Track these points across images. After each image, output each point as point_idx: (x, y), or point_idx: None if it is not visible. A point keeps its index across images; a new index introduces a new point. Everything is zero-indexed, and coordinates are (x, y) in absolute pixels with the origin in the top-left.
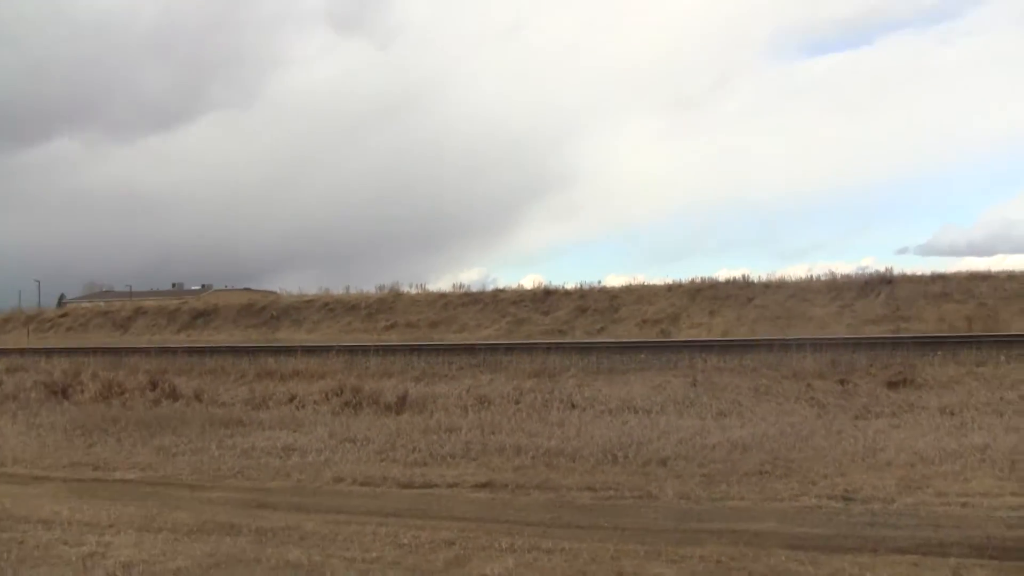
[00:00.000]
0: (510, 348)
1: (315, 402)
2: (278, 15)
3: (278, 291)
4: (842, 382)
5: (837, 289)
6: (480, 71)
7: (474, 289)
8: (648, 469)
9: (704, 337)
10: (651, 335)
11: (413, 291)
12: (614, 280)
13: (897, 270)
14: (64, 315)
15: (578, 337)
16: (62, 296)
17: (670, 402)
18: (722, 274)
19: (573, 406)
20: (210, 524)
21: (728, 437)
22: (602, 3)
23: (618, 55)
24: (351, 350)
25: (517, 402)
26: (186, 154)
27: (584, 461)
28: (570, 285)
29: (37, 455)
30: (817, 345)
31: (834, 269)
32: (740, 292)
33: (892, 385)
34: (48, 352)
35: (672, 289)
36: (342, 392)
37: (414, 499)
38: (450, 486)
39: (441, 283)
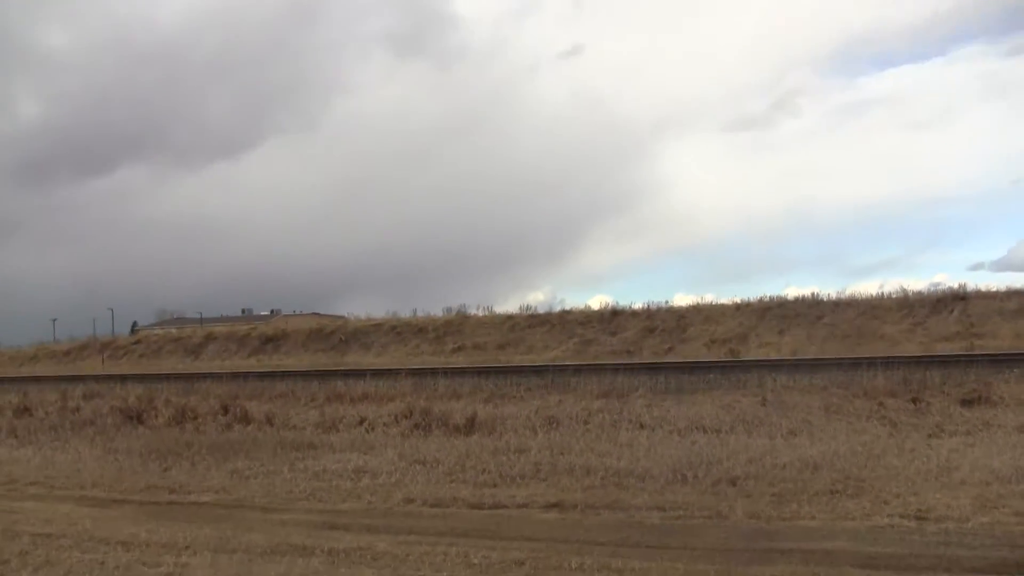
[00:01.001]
0: (578, 369)
1: (385, 424)
2: (339, 40)
3: (346, 315)
4: (914, 400)
5: (909, 306)
6: (542, 92)
7: (541, 311)
8: (718, 489)
9: (773, 356)
10: (719, 355)
11: (480, 313)
12: (682, 300)
13: (971, 286)
14: (137, 342)
15: (646, 357)
16: (135, 323)
17: (739, 422)
18: (791, 292)
19: (642, 426)
20: (283, 546)
21: (798, 456)
22: (664, 25)
23: (680, 76)
24: (419, 373)
25: (586, 422)
26: (251, 180)
27: (653, 481)
28: (637, 305)
29: (115, 479)
30: (889, 363)
31: (906, 286)
32: (809, 310)
33: (966, 403)
34: (123, 378)
35: (740, 308)
36: (411, 414)
37: (484, 519)
38: (520, 506)
39: (508, 305)
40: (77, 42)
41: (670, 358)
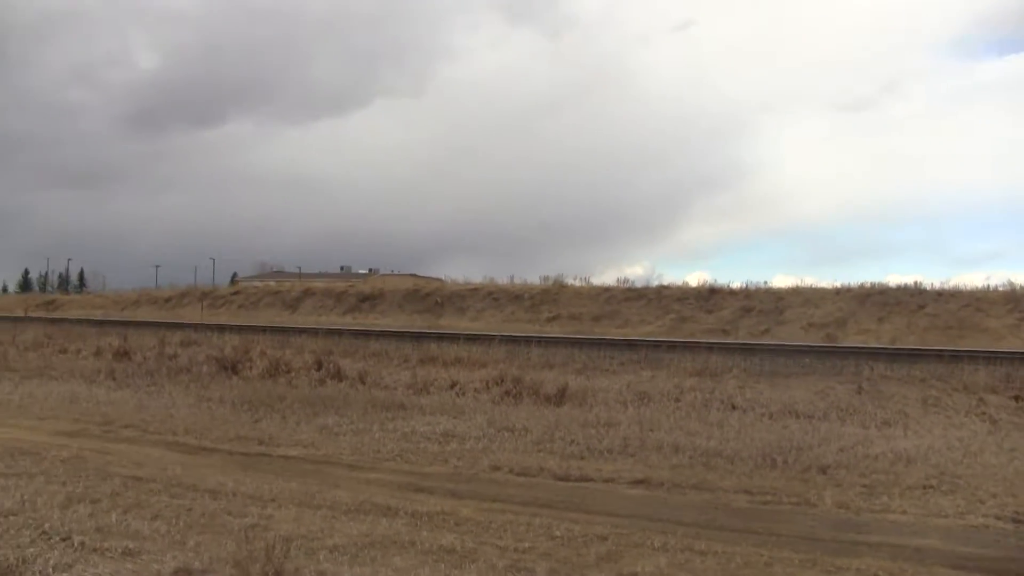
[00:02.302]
0: (672, 346)
1: (476, 390)
2: (451, 5)
3: (443, 278)
4: (1017, 398)
5: (1015, 300)
6: (649, 66)
7: (638, 284)
8: (807, 476)
9: (872, 344)
10: (816, 339)
11: (577, 283)
12: (781, 281)
13: None
14: (236, 293)
15: (741, 337)
16: (235, 274)
17: (833, 408)
18: (892, 279)
19: (733, 407)
20: (367, 504)
21: (892, 448)
22: (777, 2)
23: (788, 53)
24: (513, 340)
25: (677, 400)
26: (356, 139)
27: (742, 464)
28: (736, 284)
29: (206, 427)
30: (992, 358)
31: (1013, 279)
32: (911, 299)
33: None
34: (220, 328)
35: (840, 293)
36: (503, 381)
37: (569, 492)
38: (606, 481)
39: (605, 277)
40: None
41: (766, 340)
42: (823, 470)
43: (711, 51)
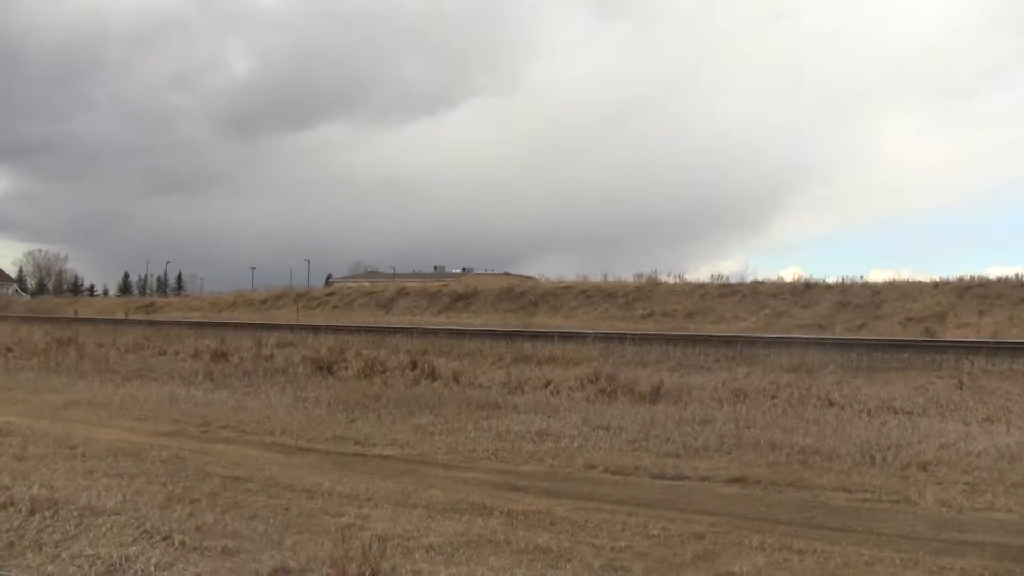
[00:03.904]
0: (768, 341)
1: (570, 388)
2: (541, 2)
3: (536, 276)
4: None
5: None
6: (744, 57)
7: (732, 280)
8: (907, 473)
9: (972, 338)
10: (915, 333)
11: (670, 280)
12: (877, 275)
13: None
14: (331, 294)
15: (837, 333)
16: (329, 275)
17: (932, 404)
18: (993, 272)
19: (831, 403)
20: (463, 504)
21: (995, 444)
22: None
23: (886, 42)
24: (607, 338)
25: (773, 397)
26: (448, 140)
27: (840, 461)
28: (831, 279)
29: (303, 427)
30: None
31: None
32: (1013, 292)
33: None
34: (315, 329)
35: (939, 286)
36: (597, 379)
37: (665, 490)
38: (702, 479)
39: (699, 273)
40: (289, 2)
41: (862, 334)
42: (923, 467)
43: (807, 41)
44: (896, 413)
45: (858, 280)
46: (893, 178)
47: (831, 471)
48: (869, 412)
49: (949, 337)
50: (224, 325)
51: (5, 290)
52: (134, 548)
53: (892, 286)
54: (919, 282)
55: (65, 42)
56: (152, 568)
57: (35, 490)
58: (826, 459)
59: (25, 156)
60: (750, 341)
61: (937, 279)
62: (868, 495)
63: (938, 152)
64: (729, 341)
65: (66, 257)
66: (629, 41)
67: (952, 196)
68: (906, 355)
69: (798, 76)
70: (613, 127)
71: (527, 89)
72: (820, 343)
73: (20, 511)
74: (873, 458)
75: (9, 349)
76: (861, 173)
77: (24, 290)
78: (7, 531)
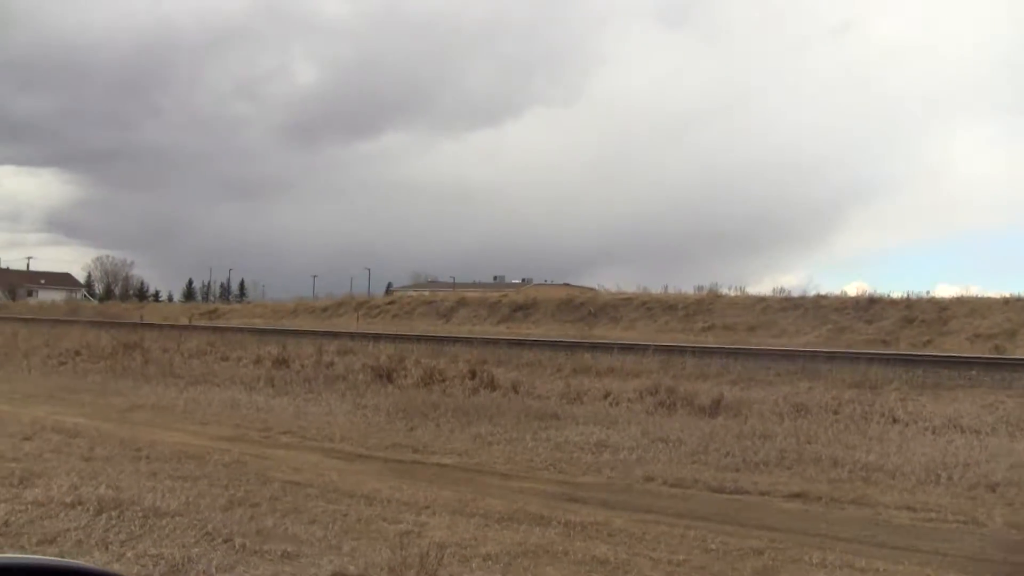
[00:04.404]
0: (830, 356)
1: (629, 400)
2: (604, 12)
3: (596, 288)
4: None
5: None
6: (807, 70)
7: (795, 294)
8: (974, 493)
9: None
10: (983, 351)
11: (732, 293)
12: (944, 290)
13: None
14: (391, 302)
15: (902, 349)
16: (390, 284)
17: (1002, 423)
18: None
19: (895, 420)
20: (520, 513)
21: None
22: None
23: (955, 54)
24: (667, 350)
25: (836, 412)
26: (510, 149)
27: (904, 479)
28: (896, 294)
29: (362, 434)
30: None
31: None
32: None
33: None
34: (375, 337)
35: (1009, 303)
36: (657, 391)
37: (724, 504)
38: (762, 494)
39: (761, 286)
40: (354, 11)
41: (928, 351)
42: (992, 487)
43: (873, 52)
44: (963, 431)
45: (924, 296)
46: (962, 192)
47: (895, 489)
48: (935, 430)
49: (1020, 355)
50: (285, 332)
51: (74, 295)
52: (196, 549)
53: (960, 302)
54: (988, 298)
55: (135, 51)
56: (214, 570)
57: (102, 490)
58: (889, 476)
59: (95, 164)
60: (812, 355)
61: (1008, 295)
62: (933, 514)
63: (1007, 166)
64: (790, 355)
65: (132, 263)
66: (694, 53)
67: (1022, 212)
68: (974, 372)
69: (863, 88)
70: (676, 138)
71: (589, 99)
72: (884, 359)
73: (88, 510)
74: (939, 477)
75: (77, 353)
76: (927, 187)
77: (92, 295)
78: (75, 529)
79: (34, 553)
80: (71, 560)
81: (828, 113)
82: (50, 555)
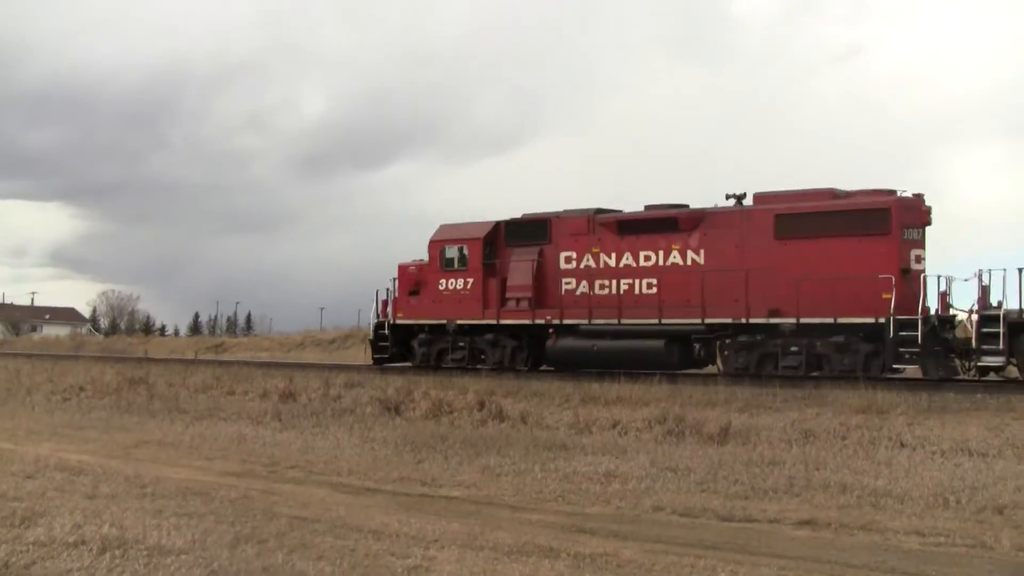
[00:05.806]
0: (836, 383)
1: (637, 429)
2: (613, 41)
3: None
4: None
5: None
6: (815, 96)
7: None
8: (982, 517)
9: None
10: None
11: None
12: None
13: None
14: None
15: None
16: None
17: (1008, 446)
18: None
19: (902, 445)
20: (530, 546)
21: None
22: (948, 26)
23: (964, 78)
24: (675, 378)
25: (843, 438)
26: (518, 179)
27: (913, 503)
28: None
29: (370, 467)
30: None
31: None
32: None
33: None
34: (383, 369)
35: None
36: (665, 420)
37: (733, 533)
38: (771, 521)
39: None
40: (361, 44)
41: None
42: (999, 510)
43: (879, 79)
44: (970, 455)
45: None
46: (965, 219)
47: (903, 514)
48: (942, 453)
49: None
50: (292, 365)
51: (79, 330)
52: None
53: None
54: None
55: (143, 85)
56: None
57: (105, 529)
58: (898, 501)
59: (101, 197)
60: (818, 381)
61: None
62: (942, 539)
63: (1013, 191)
64: (797, 382)
65: (138, 297)
66: (702, 80)
67: None
68: (979, 395)
69: (870, 115)
70: (686, 167)
71: (597, 128)
72: (890, 384)
73: (91, 550)
74: (947, 500)
75: (82, 388)
76: (937, 213)
77: (97, 329)
78: (78, 570)
79: None
80: None
81: (835, 139)
82: None
